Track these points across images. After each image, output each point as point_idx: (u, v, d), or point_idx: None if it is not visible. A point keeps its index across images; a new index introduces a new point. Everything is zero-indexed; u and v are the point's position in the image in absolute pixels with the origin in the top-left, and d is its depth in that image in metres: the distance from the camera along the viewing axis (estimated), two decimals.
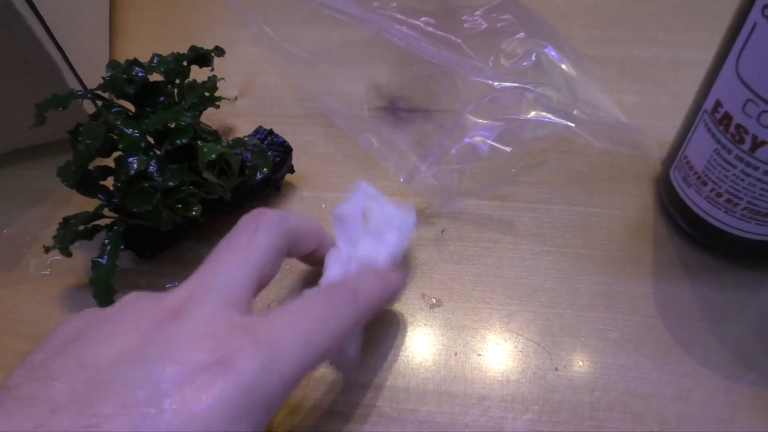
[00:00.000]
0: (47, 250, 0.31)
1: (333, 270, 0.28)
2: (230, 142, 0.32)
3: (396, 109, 0.40)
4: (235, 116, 0.40)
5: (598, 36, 0.43)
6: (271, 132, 0.35)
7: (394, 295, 0.28)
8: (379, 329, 0.31)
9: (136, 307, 0.21)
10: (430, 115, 0.39)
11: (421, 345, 0.30)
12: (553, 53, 0.38)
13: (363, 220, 0.29)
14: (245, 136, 0.34)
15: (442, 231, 0.34)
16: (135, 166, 0.28)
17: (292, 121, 0.40)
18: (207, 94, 0.33)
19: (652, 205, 0.34)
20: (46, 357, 0.20)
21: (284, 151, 0.35)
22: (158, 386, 0.19)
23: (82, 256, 0.34)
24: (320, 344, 0.22)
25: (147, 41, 0.46)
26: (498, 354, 0.30)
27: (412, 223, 0.30)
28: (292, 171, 0.36)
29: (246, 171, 0.32)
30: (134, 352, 0.20)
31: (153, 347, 0.20)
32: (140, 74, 0.30)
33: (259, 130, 0.34)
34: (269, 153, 0.33)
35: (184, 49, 0.34)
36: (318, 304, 0.23)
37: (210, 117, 0.36)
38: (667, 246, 0.33)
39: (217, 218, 0.34)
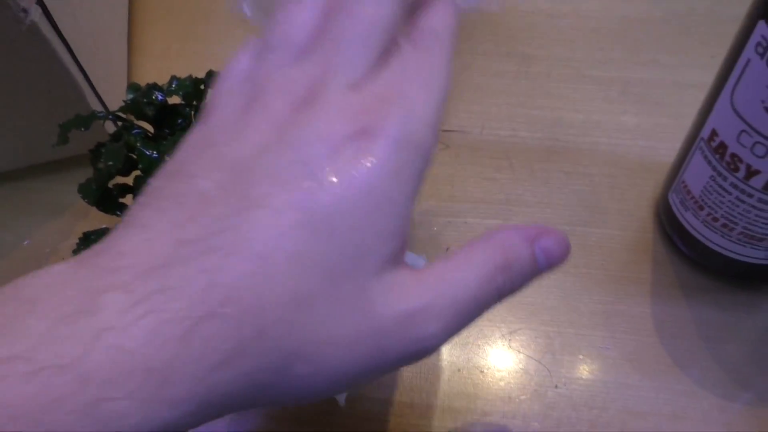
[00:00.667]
0: None
1: None
2: None
3: None
4: None
5: (600, 57, 0.44)
6: None
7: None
8: None
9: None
10: None
11: (425, 361, 0.31)
12: None
13: None
14: None
15: (447, 249, 0.35)
16: None
17: None
18: None
19: (652, 226, 0.35)
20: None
21: None
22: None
23: None
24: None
25: (163, 58, 0.47)
26: (500, 371, 0.31)
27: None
28: None
29: None
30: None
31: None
32: (160, 98, 0.32)
33: None
34: None
35: (198, 65, 0.35)
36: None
37: None
38: (666, 266, 0.34)
39: None
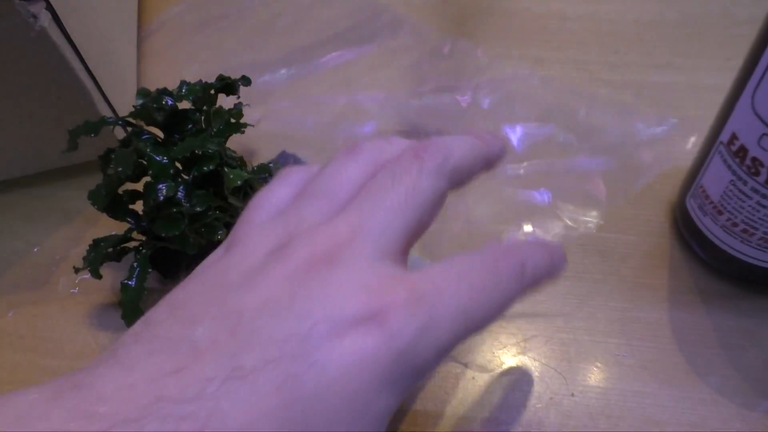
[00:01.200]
0: (77, 270, 0.32)
1: None
2: (255, 168, 0.32)
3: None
4: (258, 139, 0.41)
5: (615, 61, 0.43)
6: (295, 157, 0.36)
7: (556, 276, 0.23)
8: None
9: (283, 255, 0.19)
10: None
11: (439, 369, 0.31)
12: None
13: None
14: (270, 161, 0.35)
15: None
16: (164, 192, 0.29)
17: (315, 144, 0.41)
18: (233, 120, 0.33)
19: (668, 231, 0.35)
20: (188, 298, 0.19)
21: None
22: (307, 341, 0.17)
23: (110, 275, 0.35)
24: (480, 317, 0.19)
25: (173, 63, 0.47)
26: (515, 379, 0.30)
27: None
28: None
29: None
30: (282, 302, 0.18)
31: (303, 298, 0.18)
32: (170, 103, 0.31)
33: (283, 155, 0.35)
34: None
35: (208, 71, 0.35)
36: (483, 270, 0.20)
37: (233, 139, 0.37)
38: (683, 272, 0.33)
39: None
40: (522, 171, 0.36)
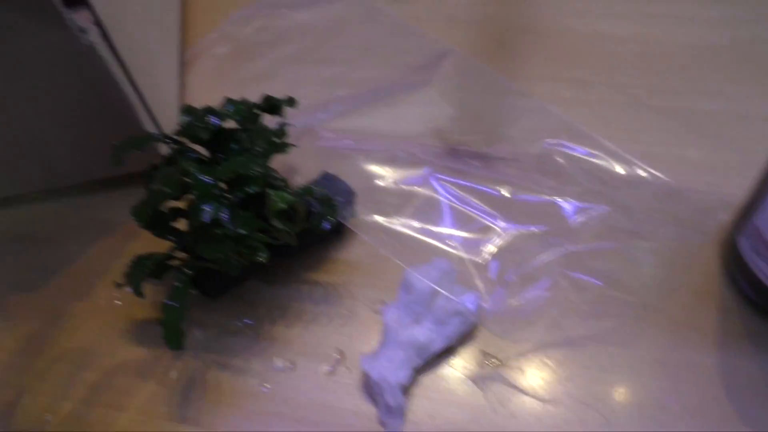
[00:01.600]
0: (119, 286, 0.32)
1: (389, 350, 0.30)
2: (299, 190, 0.32)
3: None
4: (300, 156, 0.41)
5: (661, 86, 0.42)
6: (335, 177, 0.35)
7: None
8: (433, 384, 0.31)
9: None
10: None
11: (477, 403, 0.30)
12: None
13: (431, 297, 0.30)
14: (311, 182, 0.34)
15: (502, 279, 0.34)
16: (208, 213, 0.29)
17: (355, 162, 0.40)
18: (276, 140, 0.33)
19: (716, 269, 0.34)
20: None
21: (348, 196, 0.35)
22: None
23: (150, 289, 0.35)
24: None
25: (214, 79, 0.47)
26: (556, 419, 0.30)
27: (475, 315, 0.32)
28: (354, 216, 0.36)
29: (312, 219, 0.32)
30: None
31: None
32: (214, 121, 0.31)
33: (325, 176, 0.35)
34: (335, 201, 0.33)
35: (248, 88, 0.35)
36: None
37: (275, 157, 0.37)
38: (733, 314, 0.32)
39: (281, 260, 0.35)
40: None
